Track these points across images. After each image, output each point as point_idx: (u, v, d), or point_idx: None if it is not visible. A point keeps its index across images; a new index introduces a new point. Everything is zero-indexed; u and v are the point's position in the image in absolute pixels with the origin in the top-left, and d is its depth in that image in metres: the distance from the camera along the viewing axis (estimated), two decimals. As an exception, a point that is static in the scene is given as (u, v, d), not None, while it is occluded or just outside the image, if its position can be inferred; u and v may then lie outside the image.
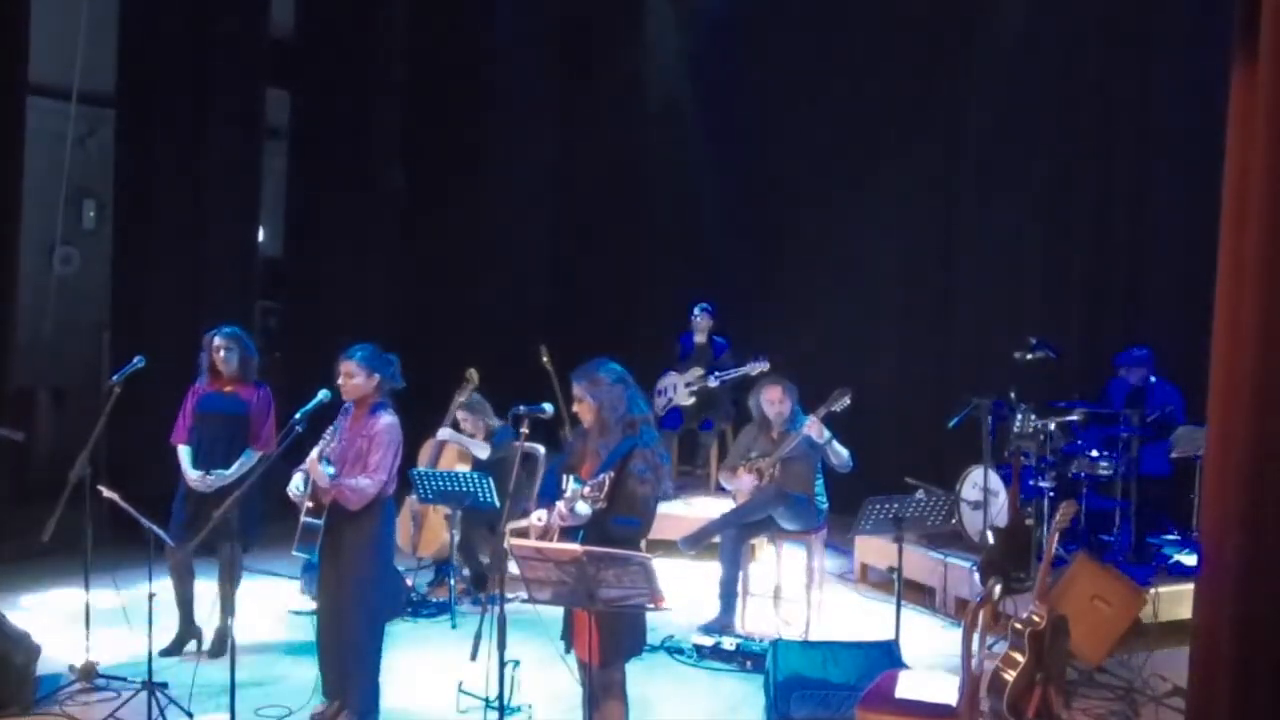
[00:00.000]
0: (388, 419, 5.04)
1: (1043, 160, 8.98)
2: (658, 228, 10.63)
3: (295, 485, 5.01)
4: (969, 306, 9.39)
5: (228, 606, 5.84)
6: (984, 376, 7.43)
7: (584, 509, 4.12)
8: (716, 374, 8.66)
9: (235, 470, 5.89)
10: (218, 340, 6.00)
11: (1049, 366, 7.23)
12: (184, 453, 5.97)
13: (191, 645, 6.08)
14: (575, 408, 4.40)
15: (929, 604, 7.14)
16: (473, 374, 7.26)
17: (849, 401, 6.54)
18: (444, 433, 7.31)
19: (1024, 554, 6.03)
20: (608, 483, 4.08)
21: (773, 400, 6.72)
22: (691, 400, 8.83)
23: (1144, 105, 8.57)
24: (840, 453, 6.58)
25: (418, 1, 10.07)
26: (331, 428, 5.07)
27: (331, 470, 4.88)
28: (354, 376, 5.01)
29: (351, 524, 4.96)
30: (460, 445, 7.29)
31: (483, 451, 7.25)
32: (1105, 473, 7.00)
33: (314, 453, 4.91)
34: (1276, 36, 4.05)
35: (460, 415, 7.33)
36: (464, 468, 7.06)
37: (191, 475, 5.90)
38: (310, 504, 4.94)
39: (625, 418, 4.31)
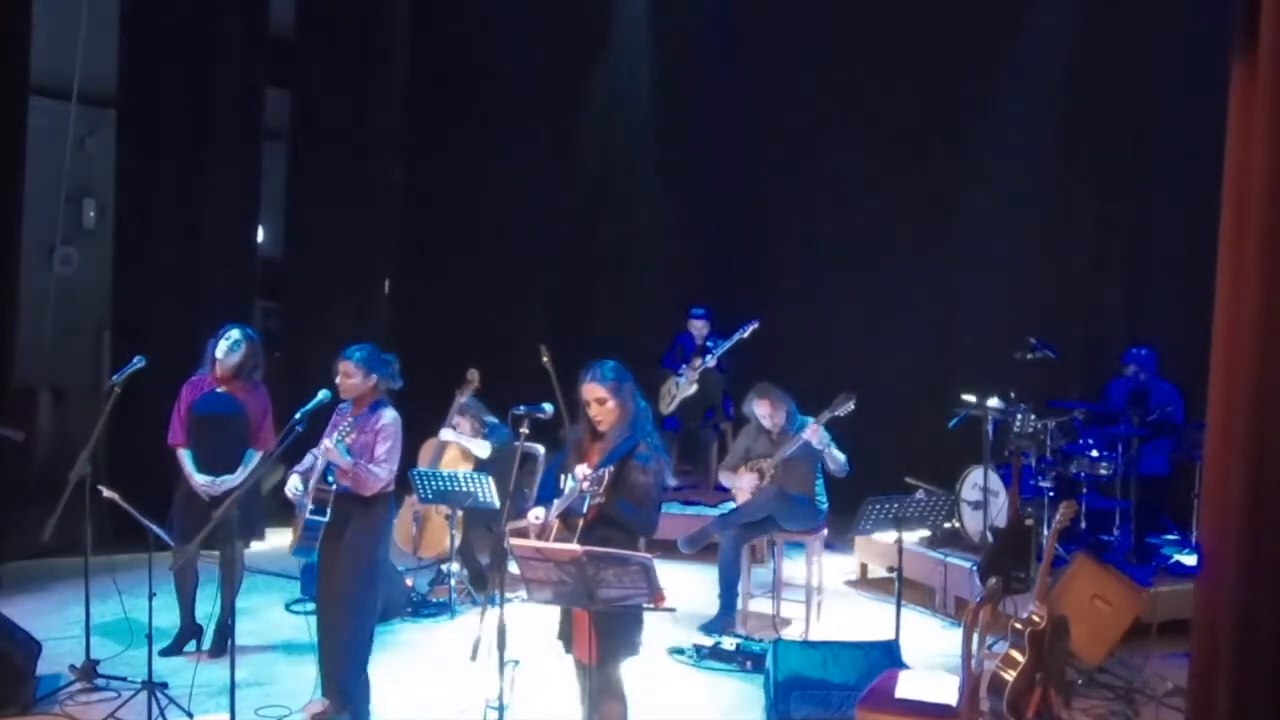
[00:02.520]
0: (390, 414, 5.09)
1: (1043, 161, 8.99)
2: (658, 228, 10.62)
3: (294, 486, 5.02)
4: (969, 307, 9.39)
5: (228, 606, 5.84)
6: (984, 376, 7.43)
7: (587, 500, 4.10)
8: (710, 355, 8.72)
9: (241, 473, 5.90)
10: (233, 333, 5.98)
11: (1049, 366, 7.23)
12: (185, 456, 5.96)
13: (191, 645, 6.09)
14: (594, 411, 4.31)
15: (929, 604, 7.14)
16: (474, 375, 7.26)
17: (853, 406, 6.54)
18: (446, 433, 7.30)
19: (1024, 554, 6.03)
20: (607, 476, 4.08)
21: (764, 414, 6.73)
22: (694, 388, 8.83)
23: (1144, 104, 8.58)
24: (837, 457, 6.58)
25: (418, 2, 10.06)
26: (348, 422, 5.04)
27: (348, 452, 4.89)
28: (351, 376, 5.04)
29: (354, 521, 4.97)
30: (461, 446, 7.30)
31: (484, 451, 7.26)
32: (1105, 473, 7.00)
33: (327, 442, 4.91)
34: (1277, 36, 4.05)
35: (456, 419, 7.34)
36: (467, 468, 7.06)
37: (198, 480, 5.89)
38: (310, 502, 4.94)
39: (634, 414, 4.32)
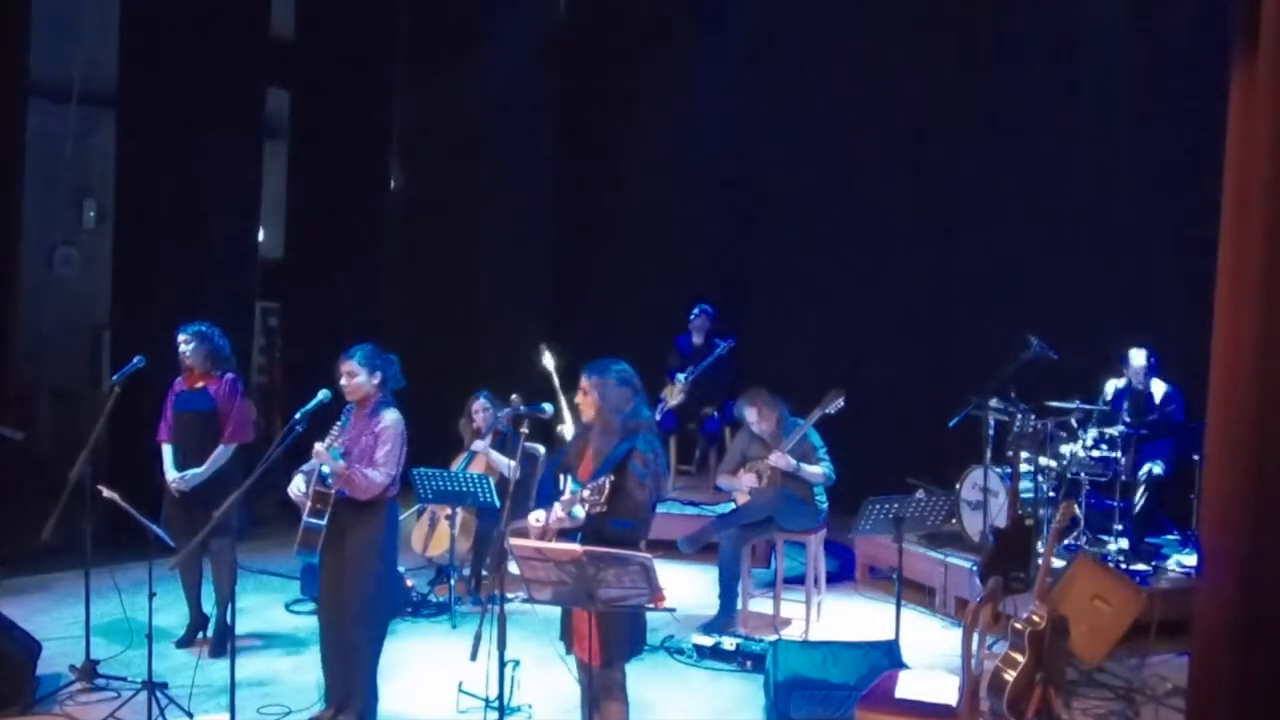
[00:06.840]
0: (392, 415, 5.03)
1: (1042, 160, 8.98)
2: (658, 227, 10.62)
3: (296, 486, 5.00)
4: (969, 306, 9.39)
5: (225, 604, 5.85)
6: (984, 376, 7.43)
7: (579, 512, 4.12)
8: (691, 370, 8.84)
9: (208, 468, 5.92)
10: (181, 336, 6.09)
11: (1049, 366, 7.22)
12: (166, 452, 6.03)
13: (201, 634, 6.15)
14: (578, 399, 4.42)
15: (929, 604, 7.14)
16: (517, 398, 7.24)
17: (843, 403, 6.55)
18: (479, 444, 7.26)
19: (1024, 554, 6.03)
20: (607, 486, 4.07)
21: (754, 419, 6.72)
22: (681, 397, 8.85)
23: (1144, 103, 8.57)
24: (814, 473, 6.58)
25: (417, 1, 10.06)
26: (337, 424, 5.06)
27: (340, 455, 4.88)
28: (355, 375, 4.99)
29: (355, 525, 4.93)
30: (491, 460, 7.19)
31: (509, 472, 7.12)
32: (1105, 473, 7.00)
33: (319, 445, 4.89)
34: (1277, 36, 4.05)
35: (481, 404, 7.29)
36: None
37: (169, 475, 5.96)
38: (311, 504, 4.92)
39: (628, 421, 4.30)
